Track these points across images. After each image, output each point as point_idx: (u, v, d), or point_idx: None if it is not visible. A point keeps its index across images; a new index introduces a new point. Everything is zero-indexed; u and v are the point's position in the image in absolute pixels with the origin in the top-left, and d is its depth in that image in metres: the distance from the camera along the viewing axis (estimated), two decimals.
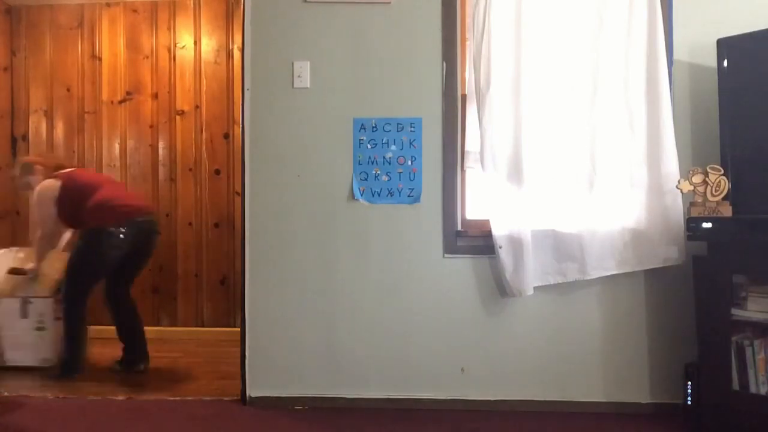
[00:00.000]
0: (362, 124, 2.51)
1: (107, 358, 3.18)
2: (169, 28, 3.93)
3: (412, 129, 2.51)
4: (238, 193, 3.56)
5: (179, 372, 3.07)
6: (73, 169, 3.16)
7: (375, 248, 2.51)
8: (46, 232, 3.01)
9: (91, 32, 3.96)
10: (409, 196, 2.51)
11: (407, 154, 2.51)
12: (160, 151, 3.94)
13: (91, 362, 3.12)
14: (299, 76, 2.51)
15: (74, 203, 2.93)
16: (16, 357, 3.11)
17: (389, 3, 2.50)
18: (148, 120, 3.94)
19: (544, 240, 2.42)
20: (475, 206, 2.58)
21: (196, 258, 3.91)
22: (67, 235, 3.27)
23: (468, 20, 2.49)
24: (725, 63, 2.21)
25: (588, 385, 2.46)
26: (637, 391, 2.45)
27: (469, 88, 2.51)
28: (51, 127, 3.98)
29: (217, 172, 3.90)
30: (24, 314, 3.11)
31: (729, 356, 2.07)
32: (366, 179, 2.51)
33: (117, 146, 3.96)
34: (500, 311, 2.48)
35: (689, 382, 2.22)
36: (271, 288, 2.53)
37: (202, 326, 3.89)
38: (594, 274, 2.40)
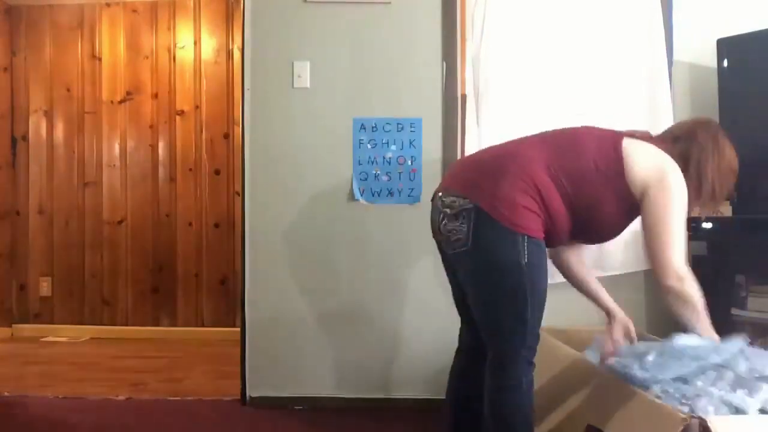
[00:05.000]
0: (362, 124, 2.51)
1: (107, 358, 3.19)
2: (169, 28, 3.93)
3: (412, 129, 2.51)
4: (238, 193, 3.56)
5: (179, 372, 3.07)
6: None
7: (375, 248, 2.51)
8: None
9: (91, 32, 3.95)
10: (409, 196, 2.51)
11: (407, 154, 2.51)
12: (160, 151, 3.94)
13: (92, 362, 3.12)
14: (299, 76, 2.51)
15: None
16: None
17: (389, 3, 2.50)
18: (148, 120, 3.94)
19: None
20: None
21: (196, 258, 3.90)
22: None
23: (468, 20, 2.49)
24: (725, 63, 2.22)
25: None
26: None
27: (469, 88, 2.51)
28: (51, 127, 3.98)
29: (217, 172, 3.90)
30: None
31: None
32: (366, 179, 2.51)
33: (117, 146, 3.96)
34: None
35: None
36: (271, 288, 2.53)
37: (202, 326, 3.89)
38: (593, 274, 2.39)
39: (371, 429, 2.30)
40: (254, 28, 2.52)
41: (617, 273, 2.40)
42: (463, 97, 2.55)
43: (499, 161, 1.51)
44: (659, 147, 1.50)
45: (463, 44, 2.55)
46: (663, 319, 2.45)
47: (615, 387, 1.50)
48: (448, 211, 1.49)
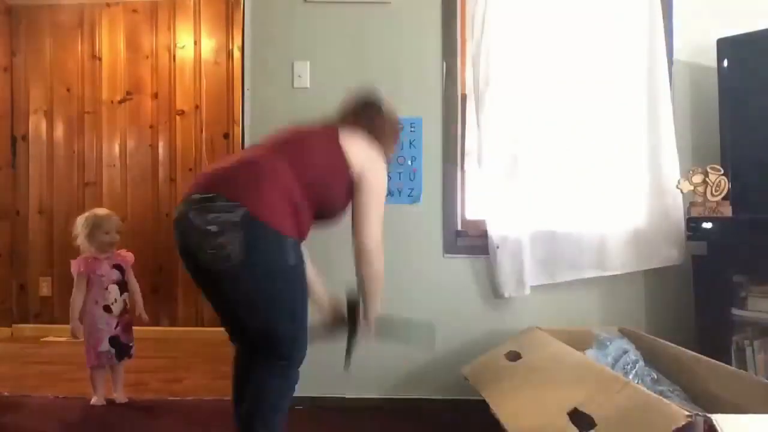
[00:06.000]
0: None
1: None
2: (169, 28, 3.93)
3: (412, 129, 2.51)
4: None
5: (179, 372, 3.07)
6: None
7: None
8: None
9: (91, 32, 3.96)
10: (409, 196, 2.50)
11: (407, 154, 2.51)
12: (160, 151, 3.94)
13: None
14: (299, 76, 2.51)
15: None
16: None
17: (389, 3, 2.50)
18: (148, 120, 3.94)
19: (542, 240, 2.42)
20: (475, 206, 2.58)
21: None
22: None
23: (468, 20, 2.49)
24: (725, 63, 2.21)
25: None
26: None
27: (469, 88, 2.51)
28: (51, 127, 3.98)
29: None
30: None
31: (729, 356, 2.07)
32: None
33: (117, 146, 3.96)
34: (500, 311, 2.48)
35: None
36: None
37: (202, 326, 3.89)
38: (593, 274, 2.40)
39: (371, 429, 2.30)
40: (254, 28, 2.52)
41: (617, 273, 2.41)
42: (463, 97, 2.55)
43: (252, 170, 1.56)
44: (357, 133, 1.78)
45: (463, 44, 2.55)
46: (663, 319, 2.45)
47: (616, 385, 1.50)
48: (212, 228, 1.49)
